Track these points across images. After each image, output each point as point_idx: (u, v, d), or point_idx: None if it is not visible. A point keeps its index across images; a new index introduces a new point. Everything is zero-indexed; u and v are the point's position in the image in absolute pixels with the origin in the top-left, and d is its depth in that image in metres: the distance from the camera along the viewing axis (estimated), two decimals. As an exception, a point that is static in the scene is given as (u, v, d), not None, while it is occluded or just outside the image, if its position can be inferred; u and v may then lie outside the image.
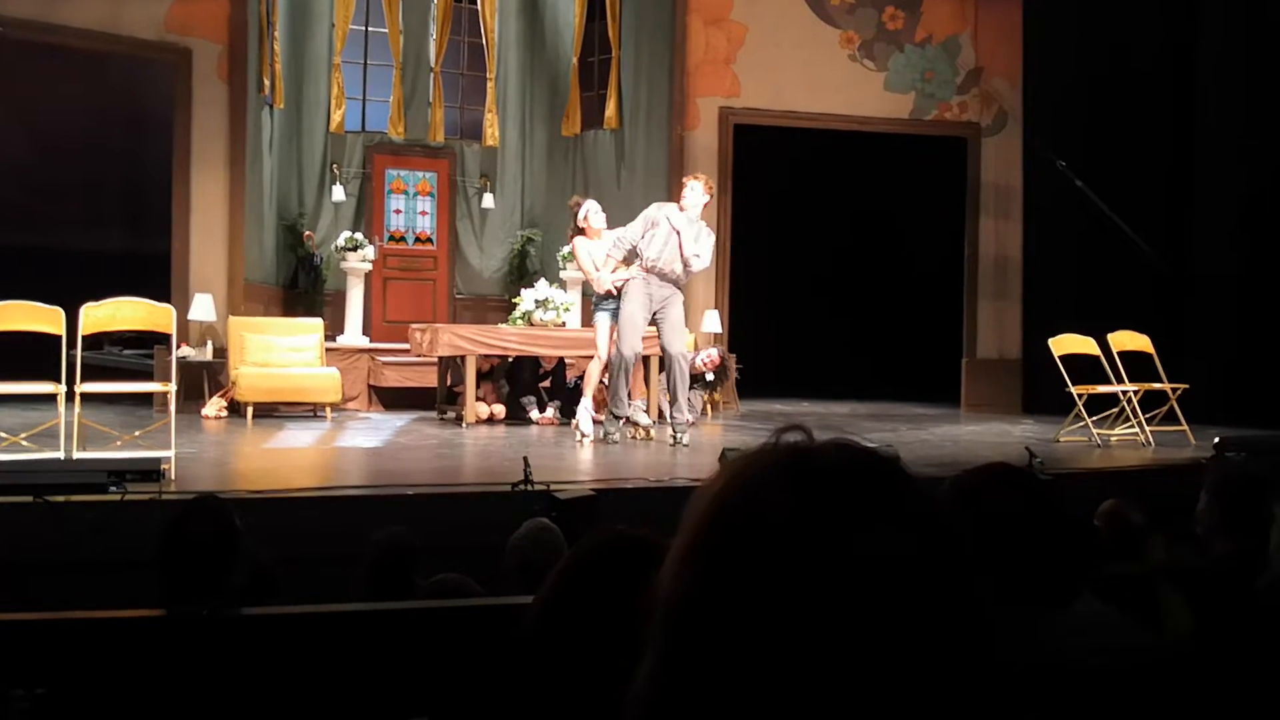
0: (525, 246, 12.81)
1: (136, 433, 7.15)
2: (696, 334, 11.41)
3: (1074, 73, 11.93)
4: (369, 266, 11.37)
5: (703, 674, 0.72)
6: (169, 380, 6.90)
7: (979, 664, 0.73)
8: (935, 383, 12.67)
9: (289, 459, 7.77)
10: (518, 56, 12.98)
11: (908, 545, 0.73)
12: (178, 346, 7.60)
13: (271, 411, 9.83)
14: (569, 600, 1.20)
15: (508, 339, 9.77)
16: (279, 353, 10.02)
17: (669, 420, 8.31)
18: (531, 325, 9.98)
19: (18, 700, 2.32)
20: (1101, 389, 9.07)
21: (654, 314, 8.12)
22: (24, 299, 6.59)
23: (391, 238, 12.65)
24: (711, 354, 10.62)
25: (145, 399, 9.61)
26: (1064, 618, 1.85)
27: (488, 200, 12.87)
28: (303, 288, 11.76)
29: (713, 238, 8.29)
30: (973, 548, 1.71)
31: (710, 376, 10.63)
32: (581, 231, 8.74)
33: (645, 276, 8.04)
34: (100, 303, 6.66)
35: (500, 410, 10.01)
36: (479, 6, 12.68)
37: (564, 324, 10.22)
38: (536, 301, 10.07)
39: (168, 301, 7.59)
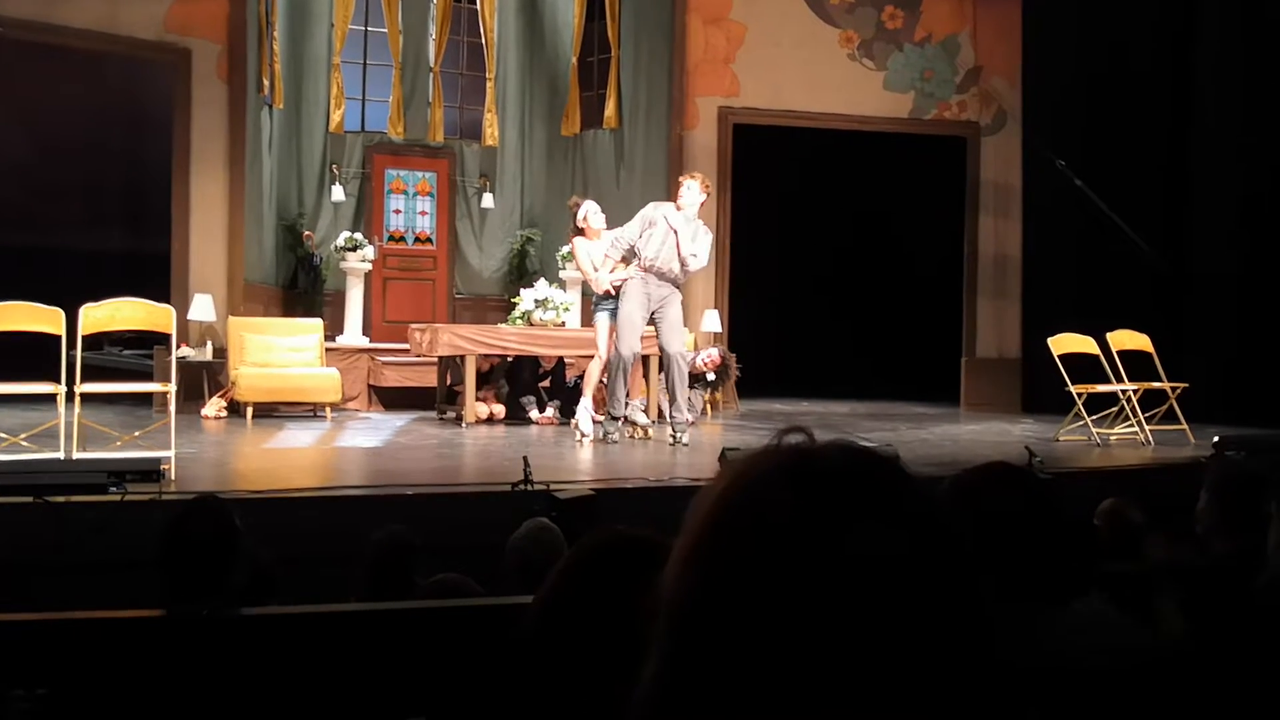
0: (525, 246, 12.81)
1: (136, 433, 7.15)
2: (696, 333, 11.41)
3: (1073, 72, 11.93)
4: (369, 266, 11.37)
5: (707, 675, 0.72)
6: (169, 380, 6.90)
7: (980, 663, 0.73)
8: (935, 382, 12.67)
9: (289, 459, 7.77)
10: (517, 56, 12.98)
11: (909, 545, 0.73)
12: (177, 347, 7.59)
13: (271, 411, 9.83)
14: (569, 600, 1.20)
15: (507, 339, 9.77)
16: (279, 353, 10.02)
17: (668, 420, 8.31)
18: (531, 325, 9.99)
19: (18, 700, 2.32)
20: (1101, 388, 9.07)
21: (652, 314, 8.11)
22: (24, 299, 6.59)
23: (391, 238, 12.65)
24: (712, 354, 10.62)
25: (145, 399, 9.62)
26: (1064, 616, 1.85)
27: (487, 200, 12.87)
28: (302, 288, 11.76)
29: (710, 236, 8.29)
30: (972, 547, 1.71)
31: (711, 376, 10.62)
32: (581, 232, 8.74)
33: (643, 276, 8.04)
34: (100, 303, 6.65)
35: (500, 410, 10.01)
36: (478, 6, 12.68)
37: (563, 324, 10.23)
38: (536, 301, 10.08)
39: (167, 302, 7.60)
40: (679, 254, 7.98)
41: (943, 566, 0.74)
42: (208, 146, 10.49)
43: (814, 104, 12.15)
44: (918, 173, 12.93)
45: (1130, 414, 8.96)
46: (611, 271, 8.25)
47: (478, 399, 9.68)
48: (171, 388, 6.80)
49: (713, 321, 11.72)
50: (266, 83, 11.21)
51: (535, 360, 10.18)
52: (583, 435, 8.29)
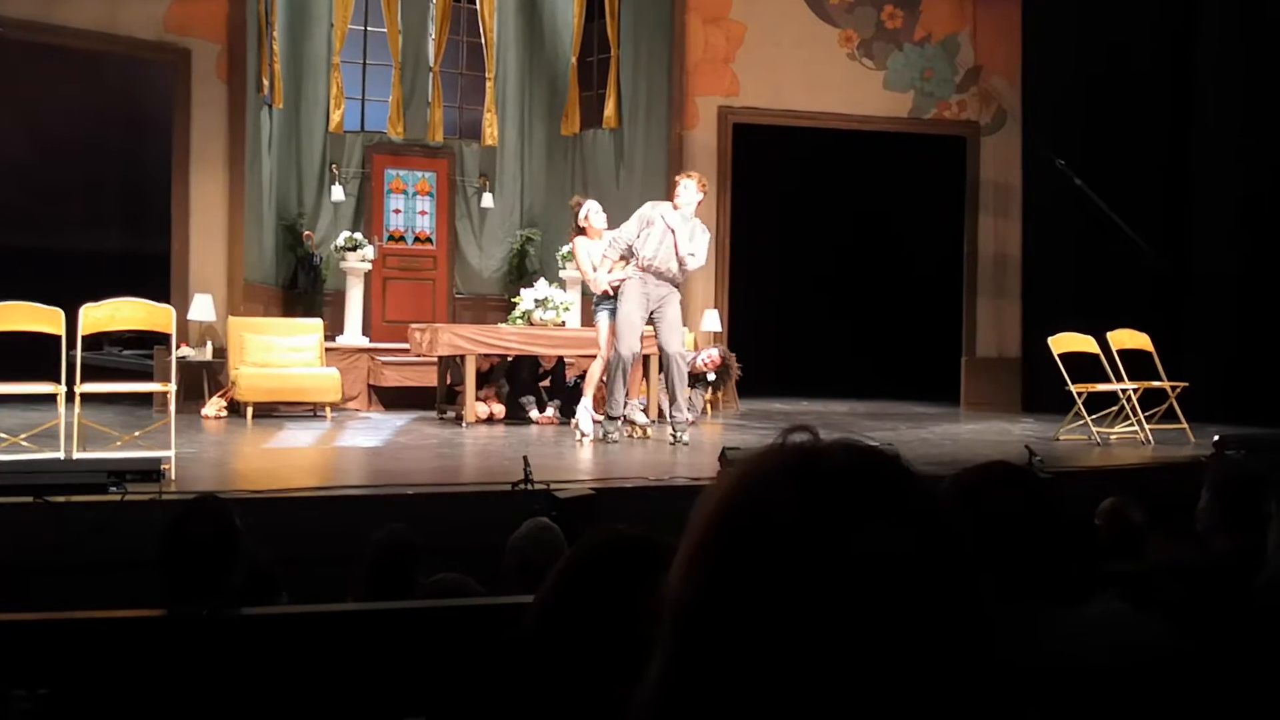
0: (524, 246, 12.81)
1: (136, 433, 7.15)
2: (696, 333, 11.41)
3: (1073, 71, 11.93)
4: (368, 266, 11.37)
5: (712, 675, 0.72)
6: (169, 380, 6.90)
7: (981, 663, 0.73)
8: (935, 381, 12.67)
9: (289, 459, 7.77)
10: (517, 56, 12.98)
11: (914, 545, 0.73)
12: (177, 347, 7.59)
13: (271, 411, 9.83)
14: (569, 599, 1.20)
15: (507, 338, 9.77)
16: (279, 353, 10.02)
17: (668, 419, 8.31)
18: (531, 325, 9.99)
19: (19, 700, 2.32)
20: (1101, 387, 9.07)
21: (651, 313, 8.11)
22: (25, 300, 6.59)
23: (391, 237, 12.65)
24: (712, 354, 10.61)
25: (145, 399, 9.61)
26: (1064, 615, 1.85)
27: (487, 200, 12.87)
28: (302, 288, 11.76)
29: (708, 235, 8.28)
30: (972, 546, 1.71)
31: (711, 377, 10.61)
32: (582, 231, 8.74)
33: (642, 276, 8.03)
34: (100, 303, 6.65)
35: (500, 410, 10.01)
36: (478, 6, 12.68)
37: (563, 323, 10.23)
38: (536, 301, 10.08)
39: (167, 302, 7.59)
40: (677, 253, 7.98)
41: (947, 566, 0.74)
42: (207, 146, 10.49)
43: (814, 104, 12.15)
44: (917, 172, 12.93)
45: (1130, 413, 8.96)
46: (609, 271, 8.25)
47: (478, 399, 9.68)
48: (171, 388, 6.80)
49: (712, 321, 11.72)
50: (266, 82, 11.21)
51: (535, 360, 10.18)
52: (583, 435, 8.29)
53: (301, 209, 12.15)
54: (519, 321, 10.09)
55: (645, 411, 8.90)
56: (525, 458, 5.62)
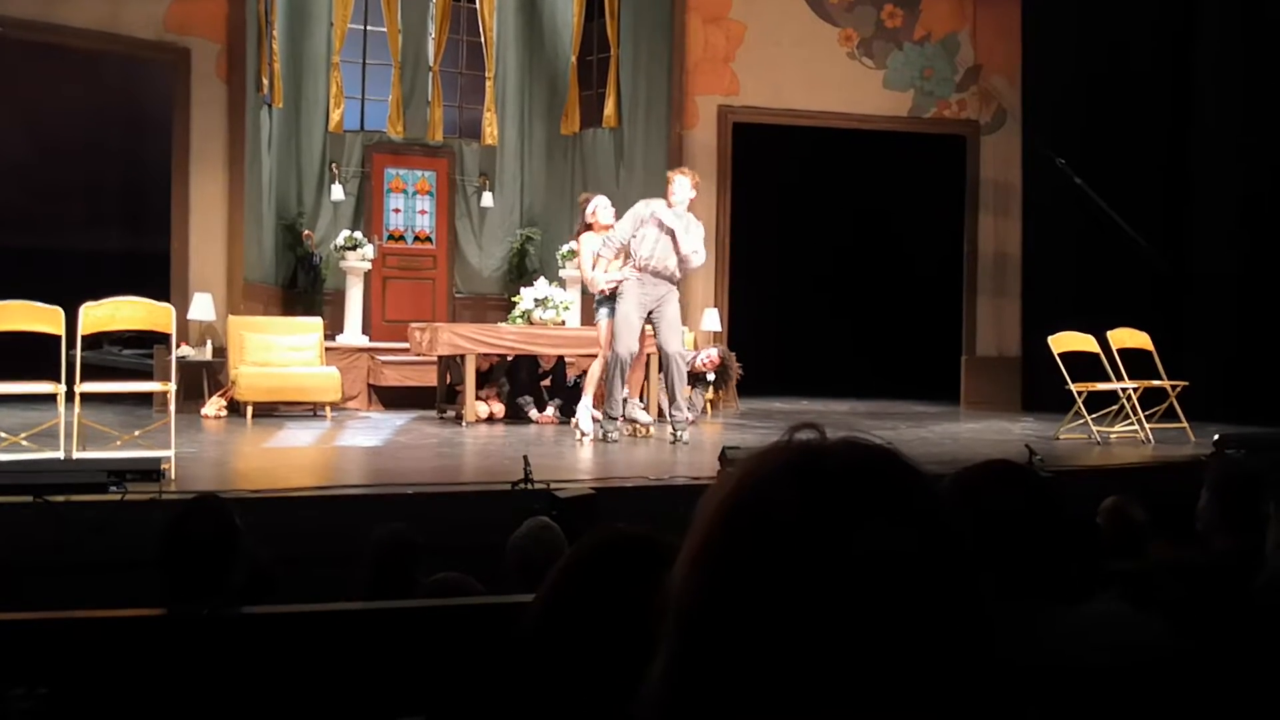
0: (524, 245, 12.81)
1: (136, 432, 7.14)
2: (696, 332, 11.41)
3: (1073, 70, 11.93)
4: (368, 266, 11.36)
5: (715, 674, 0.72)
6: (169, 380, 6.90)
7: (982, 662, 0.73)
8: (935, 380, 12.67)
9: (289, 459, 7.76)
10: (516, 55, 12.98)
11: (917, 543, 0.73)
12: (177, 346, 7.59)
13: (271, 411, 9.83)
14: (569, 599, 1.20)
15: (507, 338, 9.77)
16: (279, 352, 10.02)
17: (668, 418, 8.31)
18: (531, 324, 9.99)
19: (19, 700, 2.32)
20: (1101, 386, 9.07)
21: (650, 313, 8.10)
22: (25, 299, 6.59)
23: (391, 237, 12.65)
24: (711, 354, 10.59)
25: (145, 399, 9.61)
26: (1064, 614, 1.85)
27: (487, 199, 12.87)
28: (302, 287, 11.76)
29: (701, 229, 8.23)
30: (973, 545, 1.71)
31: (711, 376, 10.60)
32: (589, 227, 8.72)
33: (639, 276, 8.02)
34: (99, 302, 6.65)
35: (500, 409, 10.01)
36: (477, 5, 12.68)
37: (563, 323, 10.23)
38: (536, 300, 10.07)
39: (167, 301, 7.58)
40: (678, 251, 7.97)
41: (949, 564, 0.74)
42: (207, 146, 10.49)
43: (813, 103, 12.15)
44: (917, 171, 12.93)
45: (1130, 412, 8.96)
46: (605, 271, 8.25)
47: (478, 398, 9.68)
48: (171, 387, 6.80)
49: (712, 320, 11.72)
50: (266, 82, 11.21)
51: (535, 360, 10.18)
52: (583, 434, 8.29)
53: (301, 208, 12.15)
54: (519, 321, 10.09)
55: (645, 410, 8.89)
56: (525, 457, 5.62)
